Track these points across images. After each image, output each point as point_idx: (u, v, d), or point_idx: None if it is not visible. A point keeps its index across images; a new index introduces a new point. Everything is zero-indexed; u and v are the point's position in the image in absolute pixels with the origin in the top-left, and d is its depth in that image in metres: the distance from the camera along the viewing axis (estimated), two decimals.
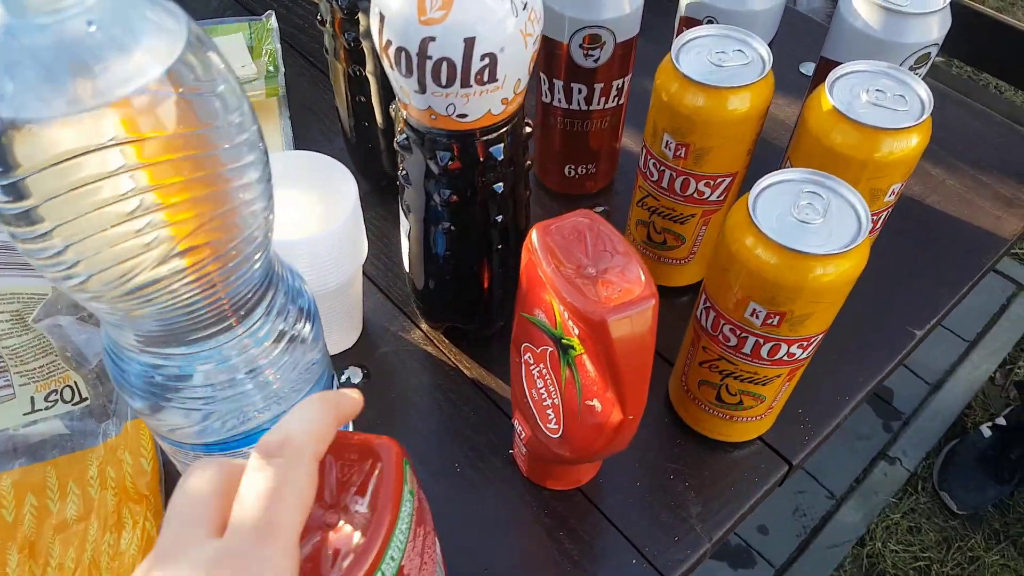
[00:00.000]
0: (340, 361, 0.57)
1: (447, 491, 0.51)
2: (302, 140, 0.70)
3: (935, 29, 0.52)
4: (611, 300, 0.36)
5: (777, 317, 0.42)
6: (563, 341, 0.40)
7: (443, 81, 0.38)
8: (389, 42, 0.39)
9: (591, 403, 0.42)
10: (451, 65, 0.38)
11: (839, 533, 1.40)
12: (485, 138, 0.42)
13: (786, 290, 0.40)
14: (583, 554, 0.49)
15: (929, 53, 0.53)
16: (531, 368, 0.46)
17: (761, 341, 0.43)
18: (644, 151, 0.52)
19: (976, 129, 0.73)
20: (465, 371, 0.57)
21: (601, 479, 0.52)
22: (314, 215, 0.47)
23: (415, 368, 0.57)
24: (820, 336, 0.44)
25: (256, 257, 0.31)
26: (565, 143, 0.62)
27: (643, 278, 0.37)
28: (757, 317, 0.42)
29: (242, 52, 0.70)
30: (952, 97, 0.75)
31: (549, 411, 0.45)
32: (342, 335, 0.56)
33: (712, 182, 0.51)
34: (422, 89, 0.39)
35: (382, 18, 0.39)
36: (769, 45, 0.59)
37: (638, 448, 0.53)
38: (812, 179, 0.42)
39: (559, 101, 0.59)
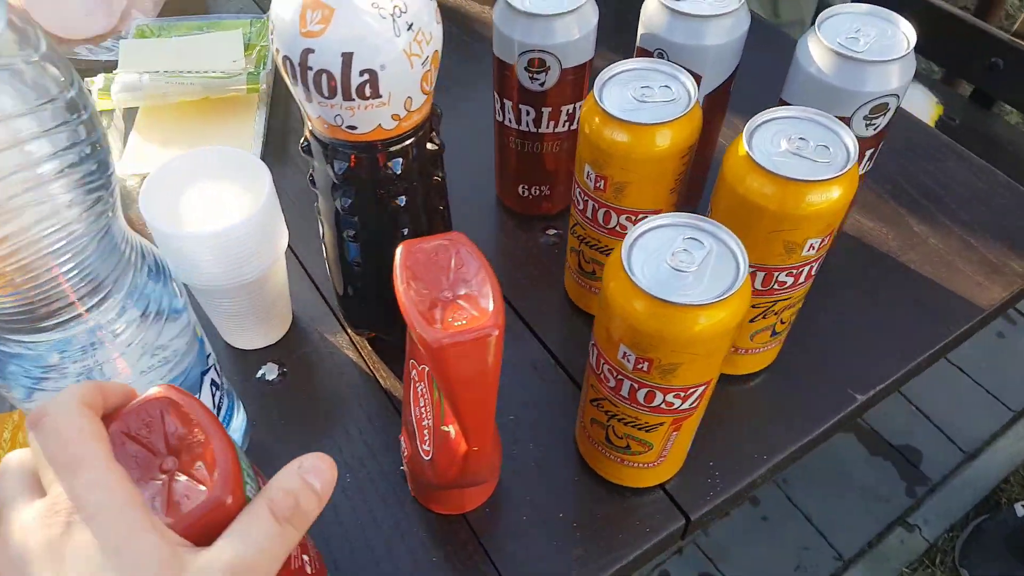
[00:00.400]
0: (261, 356, 0.57)
1: (337, 499, 0.51)
2: (276, 135, 0.72)
3: (895, 78, 0.49)
4: (451, 326, 0.36)
5: (646, 363, 0.40)
6: None
7: (325, 92, 0.38)
8: (278, 50, 0.39)
9: (446, 429, 0.42)
10: (331, 78, 0.38)
11: None
12: (381, 152, 0.42)
13: (648, 337, 0.38)
14: None
15: (887, 103, 0.50)
16: (416, 385, 0.46)
17: (635, 386, 0.42)
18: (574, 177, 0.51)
19: (976, 188, 0.68)
20: (380, 380, 0.57)
21: (488, 508, 0.51)
22: (227, 208, 0.48)
23: (332, 371, 0.57)
24: (700, 388, 0.42)
25: (64, 253, 0.32)
26: (519, 163, 0.62)
27: (492, 307, 0.36)
28: (628, 360, 0.41)
29: (237, 48, 0.72)
30: (954, 150, 0.70)
31: (425, 431, 0.45)
32: (264, 329, 0.57)
33: (634, 217, 0.49)
34: (308, 98, 0.40)
35: (273, 26, 0.39)
36: (730, 82, 0.57)
37: (533, 482, 0.52)
38: (693, 224, 0.40)
39: (510, 121, 0.58)
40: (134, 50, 0.71)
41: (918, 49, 0.50)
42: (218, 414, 0.46)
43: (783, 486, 1.42)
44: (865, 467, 1.45)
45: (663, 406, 0.42)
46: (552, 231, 0.65)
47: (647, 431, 0.45)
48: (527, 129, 0.58)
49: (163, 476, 0.31)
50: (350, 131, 0.41)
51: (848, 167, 0.43)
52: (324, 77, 0.38)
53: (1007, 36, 1.11)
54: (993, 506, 1.40)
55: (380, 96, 0.39)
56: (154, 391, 0.31)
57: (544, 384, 0.57)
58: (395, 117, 0.41)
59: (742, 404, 0.55)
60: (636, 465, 0.48)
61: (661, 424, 0.44)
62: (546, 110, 0.56)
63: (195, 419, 0.31)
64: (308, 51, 0.38)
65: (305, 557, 0.40)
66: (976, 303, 0.60)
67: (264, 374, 0.57)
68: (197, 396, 0.42)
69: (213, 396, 0.45)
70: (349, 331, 0.59)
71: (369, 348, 0.58)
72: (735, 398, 0.55)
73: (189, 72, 0.67)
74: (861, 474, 1.44)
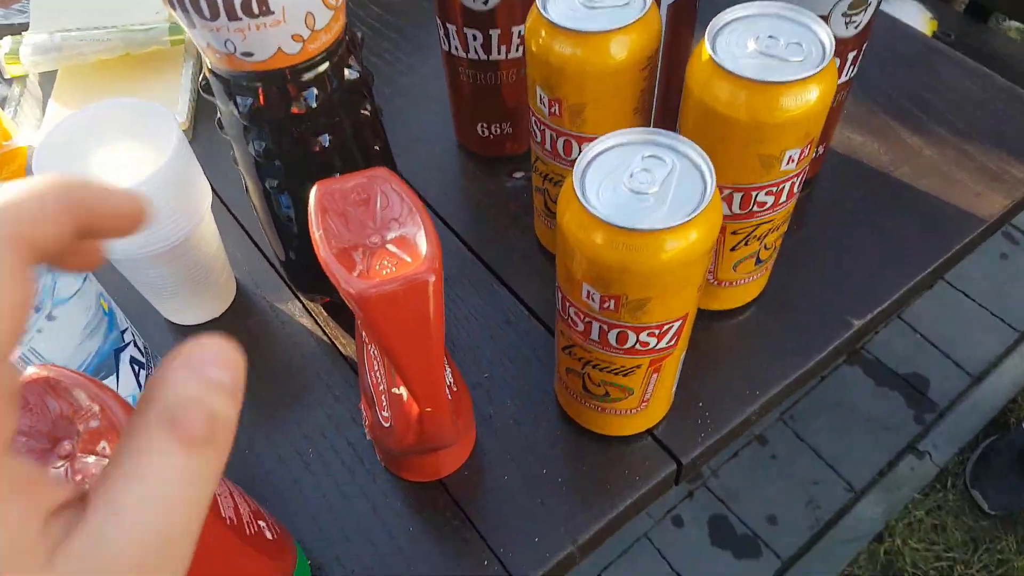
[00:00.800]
0: (206, 331, 0.53)
1: (299, 474, 0.48)
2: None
3: None
4: (378, 275, 0.31)
5: (612, 301, 0.36)
6: None
7: (206, 13, 0.34)
8: None
9: (397, 391, 0.38)
10: None
11: (855, 528, 1.31)
12: (289, 82, 0.38)
13: (611, 271, 0.34)
14: (432, 551, 0.45)
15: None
16: (367, 348, 0.42)
17: (605, 328, 0.38)
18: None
19: (971, 94, 0.63)
20: (340, 348, 0.53)
21: (466, 472, 0.47)
22: (133, 166, 0.43)
23: (285, 342, 0.53)
24: (676, 324, 0.38)
25: None
26: (474, 98, 0.57)
27: (426, 250, 0.32)
28: (593, 300, 0.37)
29: None
30: (946, 55, 0.65)
31: (383, 397, 0.41)
32: (204, 301, 0.52)
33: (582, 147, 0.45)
34: (191, 23, 0.35)
35: None
36: None
37: (512, 436, 0.48)
38: (652, 140, 0.36)
39: (457, 49, 0.53)
40: (45, 9, 0.65)
41: None
42: None
43: (790, 423, 1.40)
44: (872, 398, 1.42)
45: (637, 347, 0.38)
46: (519, 173, 0.61)
47: (624, 375, 0.41)
48: (477, 57, 0.53)
49: (62, 462, 0.27)
50: (247, 59, 0.36)
51: (824, 64, 0.38)
52: None
53: None
54: (1002, 427, 1.37)
55: (272, 12, 0.34)
56: (28, 373, 0.27)
57: (519, 337, 0.53)
58: (297, 38, 0.36)
59: (730, 340, 0.51)
60: (619, 412, 0.45)
61: (638, 367, 0.40)
62: (495, 32, 0.51)
63: (84, 394, 0.27)
64: None
65: (261, 523, 0.37)
66: (976, 214, 0.56)
67: None
68: (114, 376, 0.39)
69: (136, 375, 0.41)
70: (301, 298, 0.55)
71: (325, 314, 0.54)
72: (722, 334, 0.52)
73: (106, 27, 0.61)
74: (868, 405, 1.41)
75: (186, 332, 0.54)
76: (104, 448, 0.28)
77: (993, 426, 1.38)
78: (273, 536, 0.38)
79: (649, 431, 0.48)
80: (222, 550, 0.33)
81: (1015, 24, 1.78)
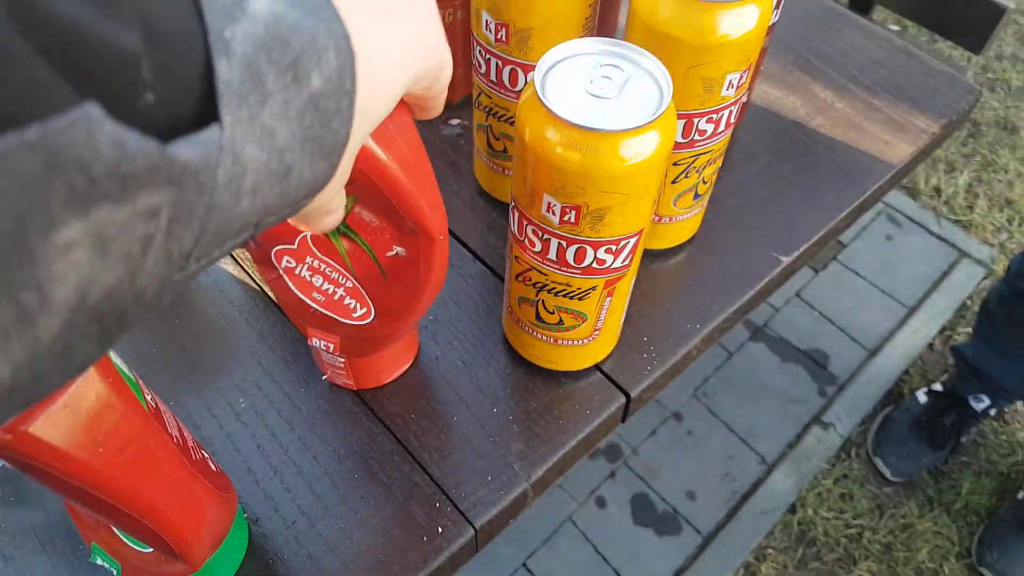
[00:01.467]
0: None
1: (232, 427, 0.45)
2: None
3: None
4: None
5: (573, 212, 0.36)
6: None
7: None
8: None
9: (393, 252, 0.36)
10: None
11: (770, 500, 1.36)
12: None
13: (574, 176, 0.34)
14: (380, 497, 0.43)
15: None
16: (298, 272, 0.40)
17: (564, 244, 0.38)
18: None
19: (873, 54, 0.67)
20: (271, 295, 0.51)
21: (413, 414, 0.46)
22: None
23: (211, 290, 0.51)
24: (632, 240, 0.38)
25: None
26: None
27: None
28: (553, 213, 0.36)
29: None
30: (850, 19, 0.69)
31: (347, 300, 0.39)
32: None
33: None
34: None
35: None
36: None
37: (460, 377, 0.47)
38: (611, 50, 0.36)
39: None
40: None
41: None
42: None
43: (703, 399, 1.44)
44: (778, 374, 1.48)
45: (594, 265, 0.39)
46: (455, 120, 0.60)
47: (580, 298, 0.41)
48: None
49: None
50: None
51: None
52: None
53: None
54: (897, 397, 1.46)
55: None
56: None
57: (464, 280, 0.52)
58: None
59: (670, 278, 0.52)
60: (571, 343, 0.45)
61: (593, 288, 0.40)
62: None
63: None
64: None
65: (204, 454, 0.35)
66: (887, 160, 0.59)
67: None
68: None
69: None
70: None
71: (250, 258, 0.52)
72: (662, 273, 0.53)
73: None
74: (775, 380, 1.47)
75: None
76: None
77: (889, 396, 1.46)
78: (216, 470, 0.35)
79: (597, 366, 0.48)
80: (171, 463, 0.30)
81: (894, 18, 1.92)
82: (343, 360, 0.44)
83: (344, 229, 0.36)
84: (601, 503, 1.33)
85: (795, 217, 0.56)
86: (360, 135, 0.21)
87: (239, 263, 0.52)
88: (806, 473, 1.38)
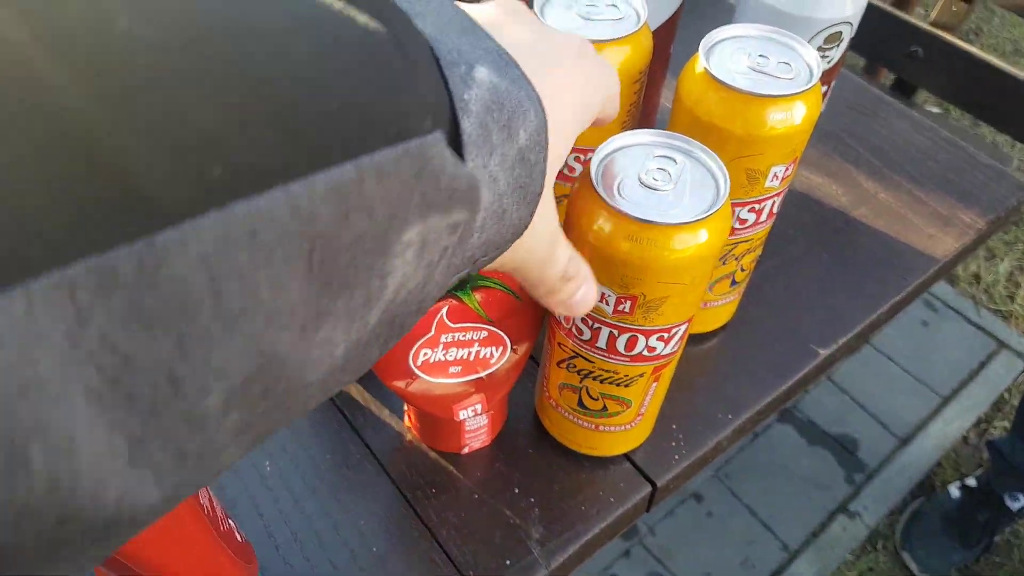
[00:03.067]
0: None
1: (256, 490, 0.44)
2: None
3: (848, 5, 0.46)
4: None
5: (628, 302, 0.35)
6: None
7: None
8: None
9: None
10: None
11: None
12: None
13: (632, 268, 0.33)
14: (399, 574, 0.42)
15: (841, 32, 0.47)
16: (433, 360, 0.40)
17: (616, 332, 0.37)
18: None
19: (919, 144, 0.66)
20: None
21: (434, 487, 0.45)
22: None
23: None
24: (682, 327, 0.37)
25: None
26: None
27: None
28: (607, 303, 0.36)
29: None
30: (895, 108, 0.69)
31: (483, 351, 0.41)
32: None
33: (582, 156, 0.45)
34: None
35: None
36: (675, 19, 0.53)
37: (486, 457, 0.46)
38: (665, 142, 0.36)
39: None
40: None
41: None
42: None
43: (725, 480, 1.40)
44: (804, 457, 1.44)
45: (645, 352, 0.38)
46: None
47: (626, 386, 0.40)
48: None
49: None
50: None
51: (812, 83, 0.39)
52: None
53: (926, 26, 1.13)
54: (929, 489, 1.41)
55: None
56: None
57: None
58: None
59: (703, 364, 0.51)
60: (612, 429, 0.43)
61: (641, 375, 0.39)
62: None
63: None
64: None
65: (231, 524, 0.34)
66: (931, 254, 0.58)
67: None
68: None
69: None
70: None
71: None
72: (695, 358, 0.51)
73: None
74: (800, 464, 1.43)
75: None
76: None
77: (920, 487, 1.42)
78: (241, 540, 0.34)
79: (624, 454, 0.47)
80: (199, 535, 0.30)
81: (935, 100, 1.91)
82: (487, 416, 0.44)
83: (474, 283, 0.37)
84: None
85: (834, 308, 0.54)
86: (550, 183, 0.24)
87: None
88: (829, 563, 1.33)
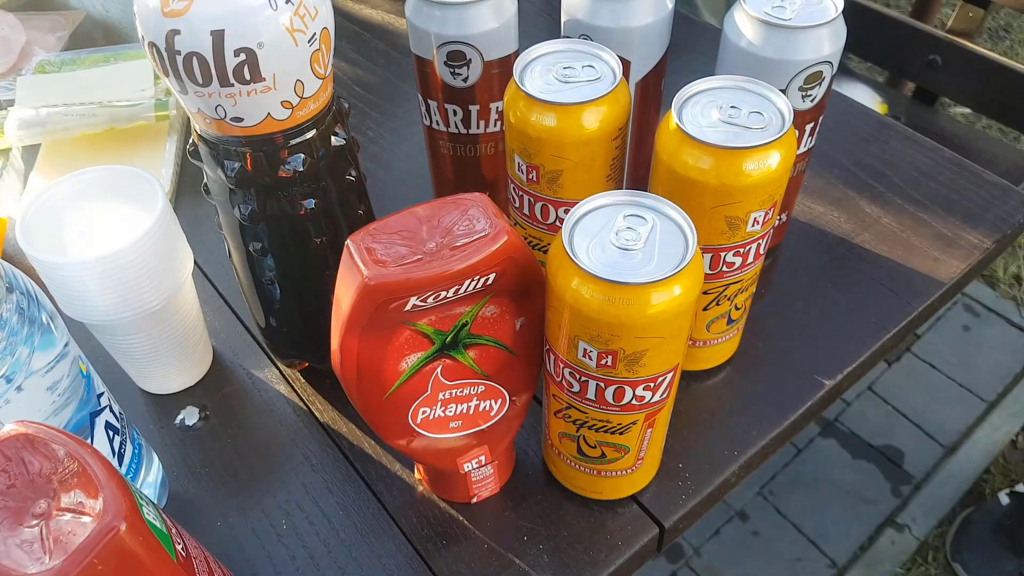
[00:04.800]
0: (180, 400, 0.53)
1: (272, 547, 0.47)
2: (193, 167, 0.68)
3: (826, 44, 0.47)
4: (482, 238, 0.35)
5: (609, 357, 0.37)
6: (449, 338, 0.38)
7: (199, 79, 0.35)
8: (143, 37, 0.36)
9: (518, 326, 0.40)
10: (202, 61, 0.35)
11: None
12: (277, 148, 0.39)
13: (608, 327, 0.35)
14: None
15: (821, 72, 0.48)
16: (432, 417, 0.42)
17: (602, 385, 0.38)
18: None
19: (922, 166, 0.66)
20: (317, 415, 0.52)
21: (445, 539, 0.47)
22: (117, 232, 0.43)
23: (261, 409, 0.53)
24: (668, 375, 0.39)
25: None
26: (455, 171, 0.59)
27: (489, 218, 0.35)
28: (590, 358, 0.37)
29: (145, 76, 0.69)
30: (897, 130, 0.69)
31: (483, 404, 0.42)
32: (179, 369, 0.52)
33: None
34: (182, 88, 0.36)
35: (136, 13, 0.36)
36: (661, 69, 0.55)
37: (492, 503, 0.48)
38: (634, 200, 0.37)
39: (438, 124, 0.56)
40: (32, 86, 0.67)
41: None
42: (120, 463, 0.42)
43: (770, 498, 1.39)
44: (849, 471, 1.42)
45: (633, 402, 0.39)
46: None
47: (621, 433, 0.41)
48: (457, 131, 0.55)
49: (37, 521, 0.27)
50: (236, 124, 0.37)
51: (784, 131, 0.40)
52: (195, 61, 0.35)
53: (943, 33, 1.12)
54: (978, 497, 1.38)
55: (263, 79, 0.36)
56: (6, 430, 0.27)
57: None
58: (286, 105, 0.37)
59: (707, 401, 0.52)
60: (613, 474, 0.45)
61: (634, 423, 0.41)
62: (474, 108, 0.53)
63: (60, 448, 0.27)
64: (173, 32, 0.34)
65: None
66: (936, 277, 0.58)
67: (184, 419, 0.52)
68: (89, 441, 0.38)
69: (110, 441, 0.40)
70: (278, 364, 0.55)
71: (302, 380, 0.54)
72: (699, 395, 0.52)
73: (92, 103, 0.63)
74: (846, 478, 1.41)
75: (161, 401, 0.53)
76: (81, 505, 0.27)
77: (969, 496, 1.38)
78: None
79: (632, 495, 0.48)
80: None
81: (959, 109, 1.88)
82: (493, 466, 0.45)
83: (467, 342, 0.38)
84: None
85: (839, 338, 0.55)
86: None
87: (290, 383, 0.54)
88: None
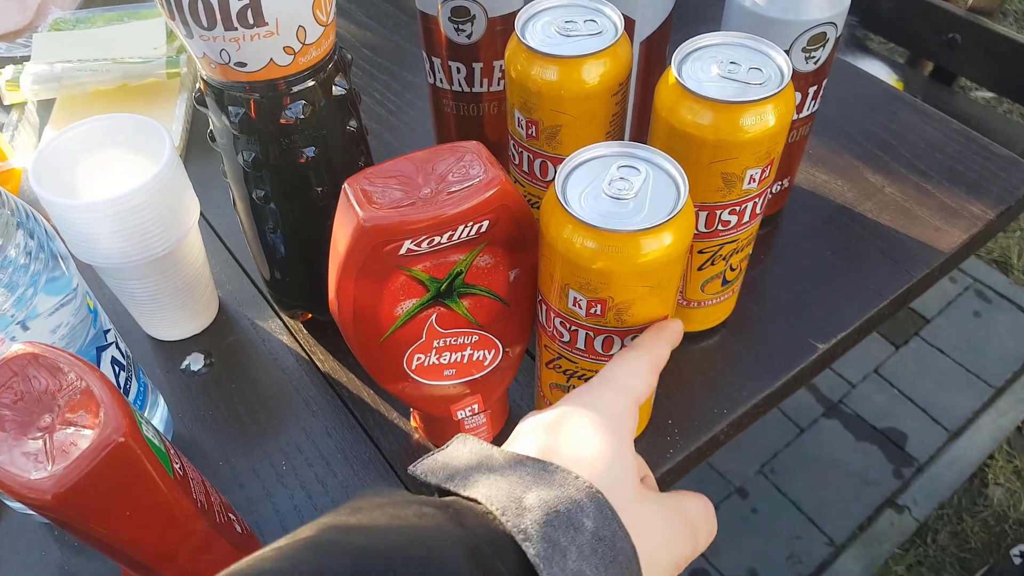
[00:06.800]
0: (186, 346, 0.54)
1: (273, 488, 0.48)
2: (203, 122, 0.69)
3: (830, 5, 0.47)
4: (476, 184, 0.36)
5: (599, 305, 0.37)
6: (444, 285, 0.38)
7: (204, 21, 0.36)
8: None
9: (512, 276, 0.40)
10: (207, 4, 0.35)
11: None
12: (278, 93, 0.40)
13: (598, 274, 0.36)
14: None
15: (825, 33, 0.48)
16: (427, 364, 0.43)
17: (592, 334, 0.39)
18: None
19: (929, 137, 0.66)
20: (318, 364, 0.53)
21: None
22: (126, 177, 0.45)
23: (265, 358, 0.54)
24: None
25: None
26: (458, 130, 0.59)
27: (483, 165, 0.37)
28: (579, 307, 0.38)
29: (158, 35, 0.70)
30: (905, 101, 0.69)
31: (476, 354, 0.43)
32: (185, 317, 0.53)
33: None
34: (188, 32, 0.37)
35: None
36: (667, 28, 0.55)
37: None
38: (628, 152, 0.38)
39: (441, 82, 0.56)
40: (48, 43, 0.68)
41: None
42: (126, 397, 0.43)
43: (770, 476, 1.39)
44: (852, 452, 1.42)
45: None
46: None
47: None
48: (460, 89, 0.56)
49: (41, 434, 0.28)
50: (240, 69, 0.38)
51: (783, 87, 0.41)
52: (200, 3, 0.35)
53: (963, 11, 1.11)
54: (994, 551, 1.35)
55: (266, 23, 0.36)
56: (14, 349, 0.28)
57: None
58: (288, 51, 0.38)
59: (700, 361, 0.53)
60: None
61: None
62: (477, 65, 0.54)
63: (65, 368, 0.28)
64: None
65: (232, 516, 0.37)
66: (936, 247, 0.58)
67: (189, 364, 0.53)
68: None
69: (116, 376, 0.41)
70: (282, 316, 0.56)
71: (304, 332, 0.55)
72: (692, 355, 0.53)
73: (106, 59, 0.64)
74: (848, 459, 1.41)
75: (168, 348, 0.55)
76: (83, 419, 0.29)
77: (970, 483, 1.38)
78: (242, 531, 0.38)
79: None
80: (192, 526, 0.33)
81: (983, 93, 1.86)
82: (486, 415, 0.46)
83: (462, 291, 0.39)
84: None
85: (836, 304, 0.55)
86: None
87: (292, 334, 0.55)
88: (877, 558, 1.31)
